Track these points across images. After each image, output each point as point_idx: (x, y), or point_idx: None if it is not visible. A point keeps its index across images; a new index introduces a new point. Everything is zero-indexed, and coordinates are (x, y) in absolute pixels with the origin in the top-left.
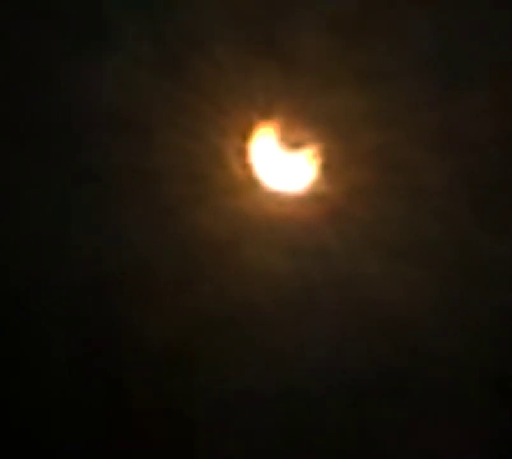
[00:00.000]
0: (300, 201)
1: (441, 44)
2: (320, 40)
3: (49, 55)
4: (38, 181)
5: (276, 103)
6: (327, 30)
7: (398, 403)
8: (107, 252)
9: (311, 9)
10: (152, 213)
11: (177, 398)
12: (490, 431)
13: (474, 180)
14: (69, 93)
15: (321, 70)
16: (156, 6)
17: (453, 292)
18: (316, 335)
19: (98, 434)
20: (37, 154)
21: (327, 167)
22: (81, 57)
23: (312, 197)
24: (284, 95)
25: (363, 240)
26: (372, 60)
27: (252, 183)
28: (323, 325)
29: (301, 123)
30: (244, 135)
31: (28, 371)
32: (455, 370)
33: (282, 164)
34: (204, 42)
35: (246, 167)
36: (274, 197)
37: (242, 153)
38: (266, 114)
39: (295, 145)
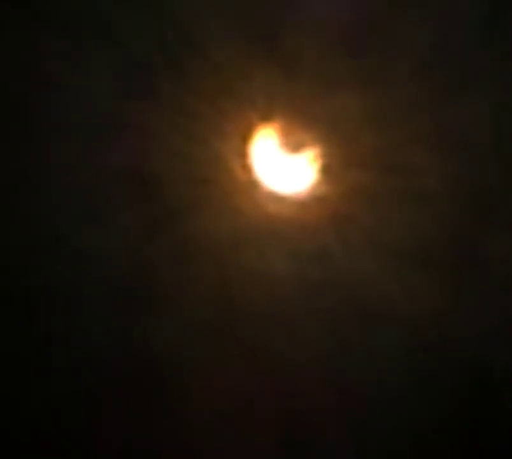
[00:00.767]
0: (301, 203)
1: (441, 47)
2: (320, 43)
3: (48, 56)
4: (39, 184)
5: (276, 106)
6: (327, 33)
7: (399, 404)
8: (109, 255)
9: (312, 12)
10: (153, 216)
11: (177, 399)
12: None
13: (474, 182)
14: (68, 95)
15: (322, 73)
16: (156, 9)
17: (454, 294)
18: (316, 337)
19: None
20: (37, 157)
21: (327, 170)
22: (80, 59)
23: (313, 200)
24: (284, 98)
25: (363, 242)
26: (373, 63)
27: (253, 185)
28: (323, 327)
29: (301, 126)
30: (245, 137)
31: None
32: (456, 371)
33: (282, 167)
34: (204, 44)
35: (246, 169)
36: (274, 199)
37: (242, 155)
38: (266, 116)
39: (296, 147)
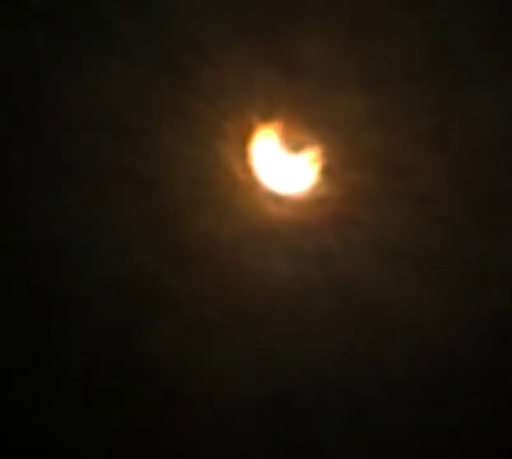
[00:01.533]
0: (301, 204)
1: (442, 48)
2: (321, 44)
3: (47, 57)
4: (40, 186)
5: (276, 106)
6: (327, 35)
7: (400, 406)
8: (110, 256)
9: (312, 13)
10: (154, 217)
11: (176, 400)
12: None
13: (474, 184)
14: (69, 97)
15: (322, 74)
16: (157, 10)
17: (454, 295)
18: (316, 338)
19: None
20: (37, 159)
21: (327, 170)
22: (81, 61)
23: (313, 200)
24: (285, 99)
25: (363, 243)
26: (373, 65)
27: (253, 186)
28: (324, 328)
29: (302, 127)
30: (245, 138)
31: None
32: (457, 372)
33: (283, 167)
34: (204, 46)
35: (247, 170)
36: (275, 200)
37: (243, 156)
38: (267, 117)
39: (296, 148)
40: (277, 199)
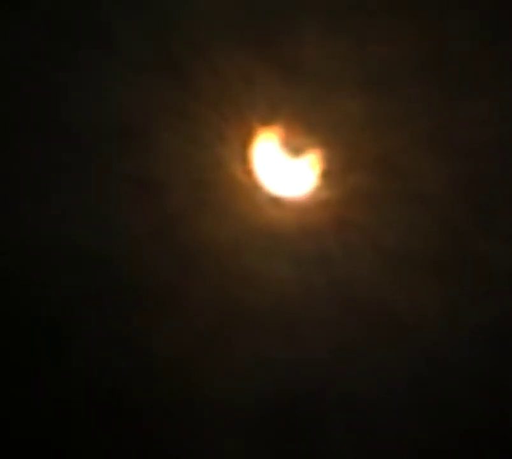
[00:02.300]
0: (302, 206)
1: (441, 51)
2: (321, 48)
3: (50, 60)
4: (41, 188)
5: (277, 110)
6: (328, 38)
7: (401, 408)
8: (111, 258)
9: (312, 16)
10: (155, 219)
11: (178, 402)
12: None
13: (474, 186)
14: (71, 99)
15: (323, 77)
16: (159, 13)
17: (455, 296)
18: (317, 340)
19: None
20: (39, 161)
21: (328, 174)
22: (82, 63)
23: (314, 203)
24: (286, 102)
25: (364, 245)
26: (374, 68)
27: (254, 189)
28: (325, 330)
29: (303, 130)
30: (246, 142)
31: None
32: (458, 373)
33: (283, 171)
34: (206, 49)
35: (247, 173)
36: (275, 202)
37: (244, 159)
38: (268, 121)
39: (297, 151)
40: (278, 202)
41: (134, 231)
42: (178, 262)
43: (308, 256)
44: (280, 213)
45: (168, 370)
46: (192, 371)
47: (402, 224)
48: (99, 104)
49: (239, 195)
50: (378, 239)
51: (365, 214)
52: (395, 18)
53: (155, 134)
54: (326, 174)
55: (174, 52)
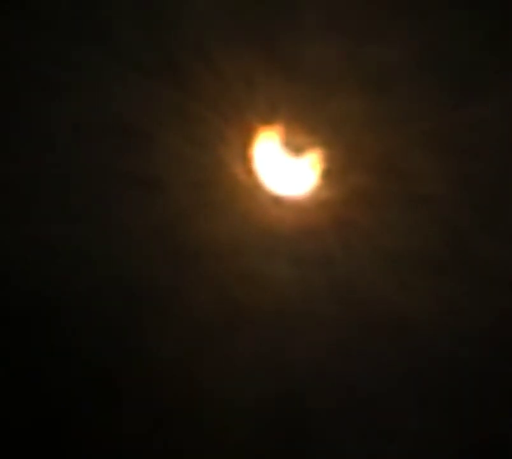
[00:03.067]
0: (302, 206)
1: (442, 51)
2: (322, 47)
3: (48, 58)
4: (41, 188)
5: (278, 109)
6: (328, 38)
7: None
8: (112, 258)
9: (313, 16)
10: (156, 219)
11: (179, 402)
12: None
13: (475, 186)
14: (71, 101)
15: (324, 76)
16: (159, 13)
17: (455, 297)
18: (317, 340)
19: None
20: (39, 161)
21: (329, 173)
22: (82, 63)
23: (314, 203)
24: (286, 102)
25: (365, 245)
26: (374, 68)
27: (255, 188)
28: (325, 329)
29: (303, 130)
30: (247, 141)
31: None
32: (458, 372)
33: (284, 170)
34: (206, 49)
35: (248, 173)
36: (276, 202)
37: (244, 159)
38: (268, 120)
39: (298, 150)
40: (279, 201)
41: (134, 231)
42: (179, 262)
43: (308, 256)
44: (281, 213)
45: (168, 370)
46: (192, 371)
47: (402, 224)
48: (99, 104)
49: (240, 195)
50: (378, 239)
51: (365, 214)
52: (395, 18)
53: (156, 135)
54: (327, 174)
55: (175, 52)
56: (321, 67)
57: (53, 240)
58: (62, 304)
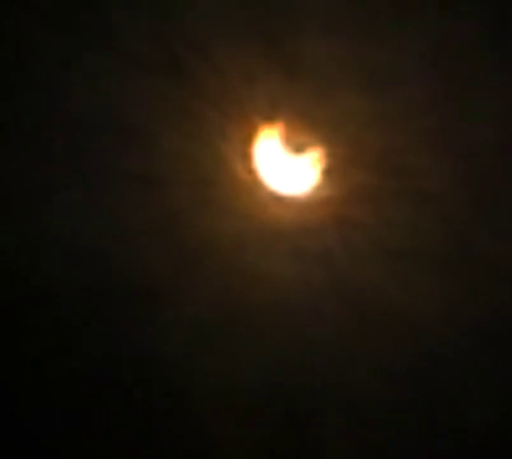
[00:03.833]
0: (304, 204)
1: (442, 49)
2: (323, 45)
3: (48, 57)
4: (43, 186)
5: (279, 107)
6: (329, 34)
7: (401, 408)
8: (113, 256)
9: (314, 13)
10: (156, 217)
11: (178, 400)
12: None
13: (477, 184)
14: (72, 98)
15: (325, 74)
16: (161, 11)
17: (456, 295)
18: (318, 338)
19: None
20: (41, 159)
21: (329, 171)
22: (84, 61)
23: (316, 201)
24: (287, 99)
25: (366, 244)
26: (375, 65)
27: (256, 186)
28: (326, 327)
29: (304, 127)
30: (248, 139)
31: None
32: (458, 372)
33: (285, 168)
34: (207, 47)
35: (249, 171)
36: (277, 200)
37: (245, 157)
38: (269, 118)
39: (299, 148)
40: (280, 199)
41: (135, 229)
42: (180, 260)
43: (310, 254)
44: (282, 211)
45: (168, 367)
46: (192, 368)
47: (403, 222)
48: (101, 102)
49: (241, 192)
50: (380, 237)
51: (367, 212)
52: (396, 17)
53: (157, 132)
54: (328, 172)
55: (177, 51)
56: (322, 65)
57: (53, 237)
58: (61, 301)
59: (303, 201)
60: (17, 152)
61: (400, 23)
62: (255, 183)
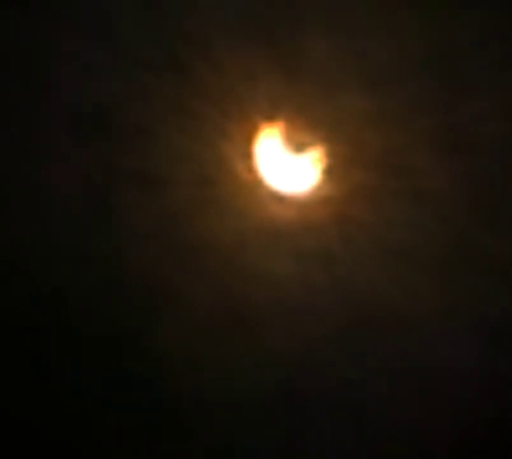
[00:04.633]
0: (304, 203)
1: (442, 49)
2: (324, 44)
3: (49, 56)
4: (44, 186)
5: (280, 106)
6: (330, 34)
7: (401, 408)
8: (112, 255)
9: (315, 13)
10: (157, 216)
11: (179, 399)
12: None
13: (477, 183)
14: (72, 97)
15: (325, 73)
16: (162, 11)
17: (457, 294)
18: (318, 337)
19: None
20: (41, 159)
21: (330, 170)
22: (86, 61)
23: (316, 200)
24: (288, 99)
25: (366, 243)
26: (376, 64)
27: (256, 185)
28: (326, 326)
29: (305, 127)
30: (249, 138)
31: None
32: (458, 371)
33: (286, 167)
34: (209, 47)
35: (250, 170)
36: (278, 199)
37: (246, 156)
38: (270, 117)
39: (299, 147)
40: (281, 198)
41: (136, 228)
42: (180, 259)
43: (310, 253)
44: (282, 210)
45: (169, 367)
46: (192, 368)
47: (404, 221)
48: (102, 101)
49: (242, 191)
50: (380, 236)
51: (367, 211)
52: (396, 16)
53: (158, 131)
54: (328, 171)
55: (178, 50)
56: (323, 65)
57: (54, 237)
58: (61, 301)
59: (304, 199)
60: (17, 152)
61: (401, 23)
62: (255, 183)
